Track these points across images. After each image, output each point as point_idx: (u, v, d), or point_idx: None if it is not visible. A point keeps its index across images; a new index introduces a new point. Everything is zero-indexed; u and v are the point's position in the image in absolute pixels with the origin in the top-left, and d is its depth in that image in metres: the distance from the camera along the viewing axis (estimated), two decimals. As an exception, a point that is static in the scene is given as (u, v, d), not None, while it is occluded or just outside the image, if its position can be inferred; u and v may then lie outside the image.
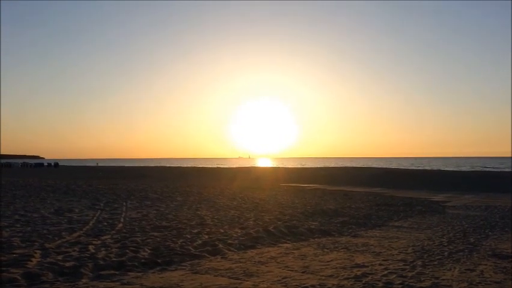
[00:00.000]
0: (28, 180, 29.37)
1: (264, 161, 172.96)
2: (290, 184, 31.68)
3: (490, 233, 10.24)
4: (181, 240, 8.09)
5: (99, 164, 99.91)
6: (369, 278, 5.82)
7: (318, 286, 5.40)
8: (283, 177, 41.55)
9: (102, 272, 5.78)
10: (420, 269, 6.39)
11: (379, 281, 5.68)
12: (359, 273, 6.07)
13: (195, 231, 9.31)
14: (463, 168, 66.85)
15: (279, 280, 5.66)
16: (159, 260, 6.52)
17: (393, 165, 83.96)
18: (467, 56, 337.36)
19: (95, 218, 11.09)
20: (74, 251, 6.94)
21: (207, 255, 7.08)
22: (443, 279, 5.81)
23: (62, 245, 7.45)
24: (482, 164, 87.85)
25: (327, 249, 7.92)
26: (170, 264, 6.41)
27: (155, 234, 8.83)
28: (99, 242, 7.80)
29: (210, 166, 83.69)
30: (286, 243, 8.48)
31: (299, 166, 79.60)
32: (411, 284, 5.57)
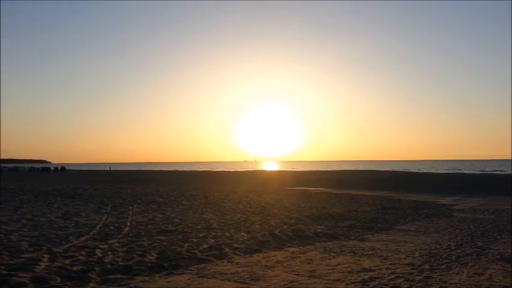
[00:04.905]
0: (35, 184, 29.56)
1: (270, 164, 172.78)
2: (296, 188, 31.64)
3: (499, 236, 10.15)
4: (187, 244, 8.10)
5: (111, 168, 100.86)
6: (377, 282, 5.79)
7: (325, 290, 5.37)
8: (289, 180, 41.52)
9: (109, 276, 5.80)
10: (427, 273, 6.35)
11: (386, 285, 5.65)
12: (366, 277, 6.04)
13: (201, 235, 9.32)
14: (469, 171, 66.37)
15: (285, 284, 5.65)
16: (166, 264, 6.53)
17: (400, 168, 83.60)
18: (468, 58, 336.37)
19: (101, 222, 11.14)
20: (81, 255, 6.97)
21: (213, 259, 7.08)
22: (451, 284, 5.77)
23: (70, 249, 7.49)
24: (485, 167, 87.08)
25: (334, 253, 7.89)
26: (176, 268, 6.42)
27: (162, 238, 8.85)
28: (106, 246, 7.83)
29: (216, 170, 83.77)
30: (292, 247, 8.46)
31: (305, 169, 79.43)
32: (418, 288, 5.54)
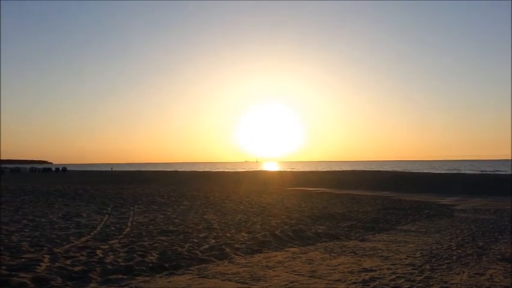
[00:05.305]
0: (36, 185, 29.58)
1: (271, 164, 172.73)
2: (297, 188, 31.62)
3: (500, 236, 10.14)
4: (188, 245, 8.11)
5: (113, 168, 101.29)
6: (377, 282, 5.79)
7: (326, 290, 5.37)
8: (290, 181, 41.49)
9: (110, 277, 5.81)
10: (428, 273, 6.35)
11: (387, 285, 5.64)
12: (366, 277, 6.04)
13: (202, 235, 9.33)
14: (470, 171, 66.25)
15: (286, 285, 5.65)
16: (166, 265, 6.54)
17: (400, 169, 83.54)
18: (468, 58, 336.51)
19: (102, 222, 11.15)
20: (82, 255, 6.98)
21: (214, 259, 7.08)
22: (452, 284, 5.76)
23: (71, 249, 7.50)
24: (485, 167, 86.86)
25: (335, 253, 7.89)
26: (177, 268, 6.43)
27: (163, 238, 8.86)
28: (107, 246, 7.84)
29: (217, 170, 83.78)
30: (293, 247, 8.46)
31: (305, 170, 79.40)
32: (419, 288, 5.54)
